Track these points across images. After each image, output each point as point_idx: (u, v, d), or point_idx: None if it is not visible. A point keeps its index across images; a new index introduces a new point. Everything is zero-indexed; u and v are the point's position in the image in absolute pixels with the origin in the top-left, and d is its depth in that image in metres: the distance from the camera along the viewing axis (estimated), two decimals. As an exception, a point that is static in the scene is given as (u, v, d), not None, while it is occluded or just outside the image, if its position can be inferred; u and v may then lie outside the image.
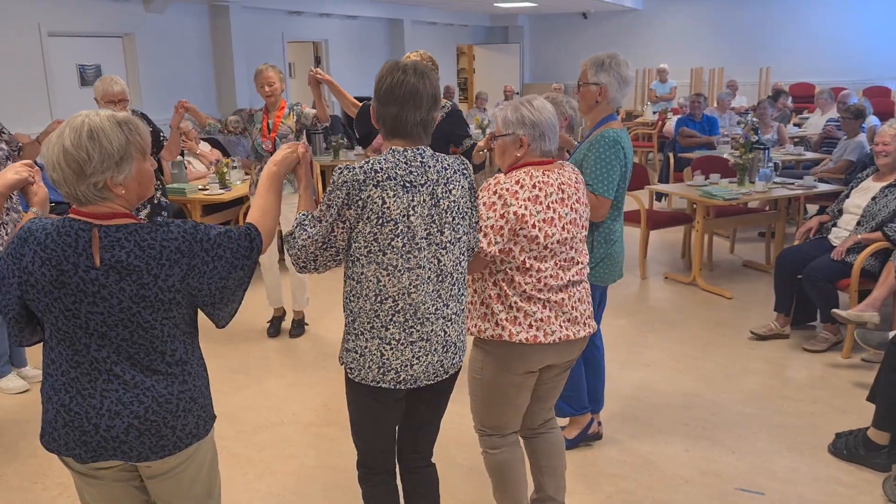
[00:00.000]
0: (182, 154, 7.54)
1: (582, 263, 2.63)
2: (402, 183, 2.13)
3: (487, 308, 2.57)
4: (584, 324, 2.64)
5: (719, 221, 6.40)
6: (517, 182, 2.48)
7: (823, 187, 6.35)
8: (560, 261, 2.54)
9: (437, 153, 2.24)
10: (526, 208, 2.45)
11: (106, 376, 1.88)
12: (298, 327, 5.33)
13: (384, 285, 2.17)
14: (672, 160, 8.73)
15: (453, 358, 2.32)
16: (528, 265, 2.50)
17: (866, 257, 4.57)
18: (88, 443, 1.90)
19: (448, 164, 2.23)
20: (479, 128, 10.23)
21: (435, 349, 2.26)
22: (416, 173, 2.15)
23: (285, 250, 2.29)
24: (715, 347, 4.85)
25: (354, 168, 2.11)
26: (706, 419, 3.91)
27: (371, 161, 2.12)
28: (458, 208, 2.25)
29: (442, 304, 2.25)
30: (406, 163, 2.15)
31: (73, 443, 1.91)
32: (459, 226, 2.26)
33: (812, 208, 7.91)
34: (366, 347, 2.22)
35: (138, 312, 1.85)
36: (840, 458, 3.48)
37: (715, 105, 10.96)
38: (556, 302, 2.55)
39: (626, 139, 3.21)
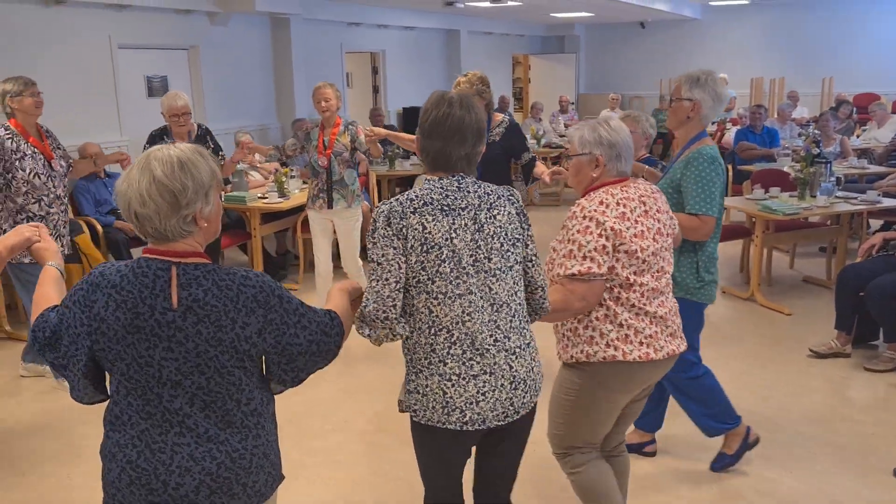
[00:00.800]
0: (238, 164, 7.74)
1: (669, 273, 2.62)
2: (439, 207, 2.08)
3: (594, 331, 2.52)
4: (682, 337, 2.66)
5: (779, 236, 6.27)
6: (601, 202, 2.47)
7: (888, 202, 6.18)
8: (654, 272, 2.54)
9: (479, 181, 2.17)
10: (619, 224, 2.45)
11: (178, 429, 1.78)
12: None
13: (436, 315, 2.09)
14: (731, 172, 8.59)
15: (524, 397, 2.19)
16: (630, 280, 2.49)
17: (933, 276, 4.43)
18: (155, 502, 1.78)
19: (491, 190, 2.16)
20: (535, 138, 10.24)
21: (502, 385, 2.14)
22: (453, 197, 2.10)
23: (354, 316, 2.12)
24: (773, 365, 4.75)
25: (390, 201, 2.10)
26: (763, 438, 3.83)
27: (406, 193, 2.11)
28: (507, 234, 2.15)
29: (502, 335, 2.14)
30: (442, 188, 2.11)
31: (139, 503, 1.79)
32: (510, 253, 2.16)
33: (876, 223, 7.70)
34: (426, 386, 2.12)
35: (216, 357, 1.76)
36: (903, 483, 3.38)
37: (775, 116, 10.75)
38: (661, 316, 2.54)
39: (719, 155, 3.19)
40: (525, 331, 2.21)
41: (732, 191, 8.44)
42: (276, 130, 9.39)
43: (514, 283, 2.18)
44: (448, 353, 2.10)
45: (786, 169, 7.22)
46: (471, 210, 2.11)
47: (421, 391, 2.13)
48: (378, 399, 4.41)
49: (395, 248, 2.06)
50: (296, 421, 4.14)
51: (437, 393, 2.11)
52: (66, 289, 1.98)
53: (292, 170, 7.23)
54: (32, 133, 4.44)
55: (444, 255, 2.07)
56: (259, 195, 6.72)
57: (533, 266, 2.23)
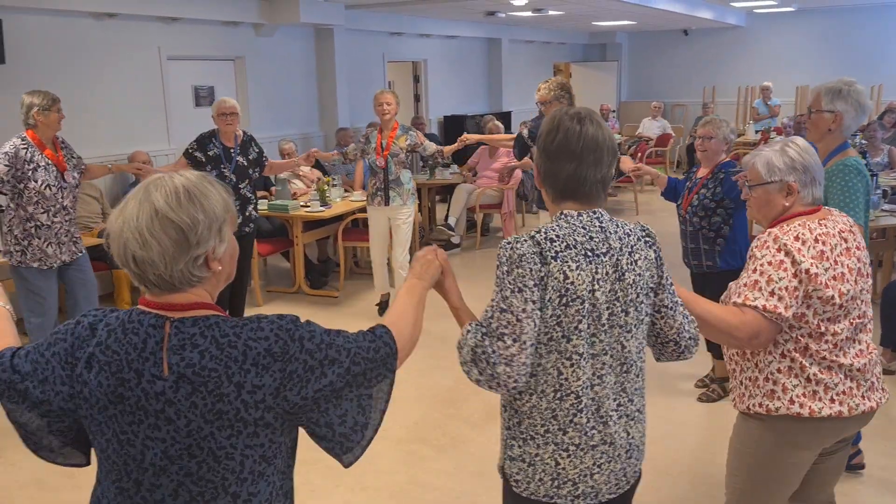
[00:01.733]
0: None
1: (869, 317, 2.34)
2: (583, 252, 1.80)
3: (776, 384, 2.26)
4: (882, 388, 2.38)
5: (823, 249, 6.19)
6: (797, 238, 2.20)
7: (937, 216, 6.05)
8: (854, 318, 2.26)
9: (616, 218, 1.93)
10: (816, 266, 2.17)
11: None
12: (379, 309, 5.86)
13: (566, 378, 1.82)
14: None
15: (636, 465, 1.97)
16: (822, 329, 2.22)
17: (983, 293, 4.35)
18: None
19: (630, 231, 1.89)
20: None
21: (618, 455, 1.90)
22: (596, 240, 1.82)
23: (464, 362, 1.87)
24: (815, 381, 4.70)
25: (524, 240, 1.80)
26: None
27: (540, 229, 1.82)
28: (644, 283, 1.88)
29: (626, 399, 1.90)
30: (584, 227, 1.82)
31: None
32: (643, 305, 1.89)
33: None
34: (536, 455, 1.87)
35: (211, 434, 1.40)
36: (948, 506, 3.32)
37: (822, 125, 10.57)
38: (858, 370, 2.26)
39: (864, 167, 3.14)
40: (643, 391, 1.97)
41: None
42: (318, 139, 9.54)
43: (642, 339, 1.92)
44: (571, 421, 1.84)
45: (831, 180, 7.11)
46: (612, 255, 1.83)
47: (528, 460, 1.88)
48: (415, 408, 4.47)
49: (533, 302, 1.77)
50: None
51: (548, 463, 1.86)
52: (14, 328, 1.68)
53: (334, 178, 7.34)
54: (48, 145, 4.52)
55: (584, 310, 1.80)
56: (301, 203, 6.83)
57: (664, 317, 1.95)
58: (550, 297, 1.78)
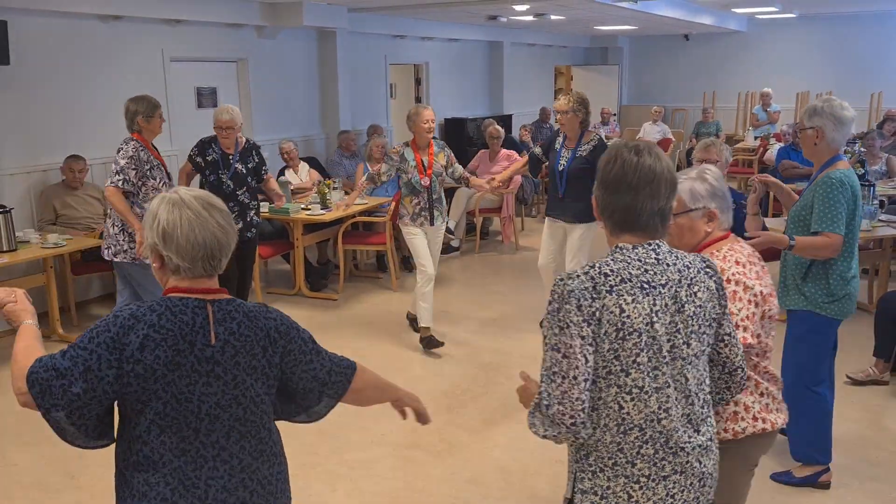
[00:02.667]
0: (282, 173, 7.92)
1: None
2: (638, 284, 1.81)
3: (737, 405, 2.34)
4: None
5: (819, 258, 6.23)
6: (737, 262, 2.28)
7: (934, 227, 6.09)
8: (768, 330, 2.38)
9: (674, 249, 1.93)
10: (761, 285, 2.28)
11: (212, 463, 1.82)
12: (424, 344, 5.49)
13: (627, 412, 1.82)
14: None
15: (708, 494, 1.98)
16: (766, 346, 2.35)
17: (975, 306, 4.39)
18: None
19: (690, 262, 1.91)
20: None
21: (692, 484, 1.90)
22: (652, 272, 1.83)
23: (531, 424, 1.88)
24: (809, 390, 4.74)
25: (576, 275, 1.81)
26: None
27: (594, 264, 1.83)
28: (705, 314, 1.89)
29: (693, 429, 1.90)
30: (639, 260, 1.84)
31: None
32: (705, 336, 1.91)
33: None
34: (608, 488, 1.87)
35: (251, 385, 1.85)
36: (937, 518, 3.37)
37: (821, 133, 10.61)
38: (777, 376, 2.45)
39: (853, 178, 3.37)
40: (711, 420, 1.97)
41: (774, 209, 8.37)
42: (320, 141, 9.58)
43: (704, 370, 1.94)
44: (638, 453, 1.84)
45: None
46: (671, 287, 1.84)
47: (600, 493, 1.88)
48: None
49: (583, 338, 1.78)
50: (337, 432, 4.26)
51: (620, 496, 1.86)
52: (43, 346, 1.89)
53: (335, 181, 7.38)
54: (152, 147, 4.98)
55: (642, 343, 1.80)
56: (302, 206, 6.88)
57: (727, 345, 1.99)
58: (606, 331, 1.78)
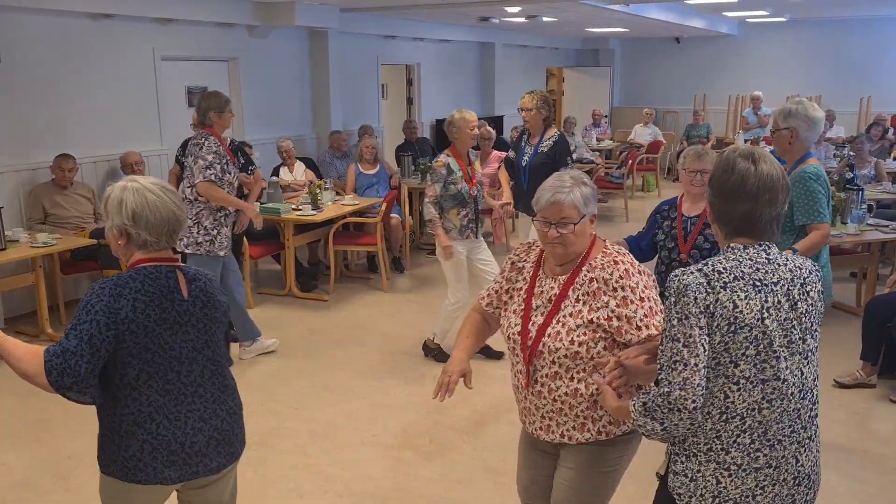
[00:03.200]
0: (277, 171, 7.91)
1: None
2: (751, 282, 1.89)
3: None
4: None
5: (808, 261, 6.27)
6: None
7: (921, 231, 6.15)
8: None
9: (783, 252, 2.02)
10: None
11: (191, 398, 2.22)
12: (427, 351, 5.48)
13: (732, 401, 1.90)
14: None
15: (807, 494, 2.00)
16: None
17: (962, 310, 4.43)
18: (175, 462, 2.19)
19: (801, 264, 1.99)
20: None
21: (784, 479, 1.95)
22: (764, 270, 1.92)
23: (640, 424, 1.96)
24: (797, 393, 4.77)
25: (691, 271, 1.90)
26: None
27: (708, 262, 1.93)
28: (816, 313, 1.98)
29: (800, 426, 1.97)
30: (750, 259, 1.92)
31: (161, 466, 2.17)
32: (818, 333, 2.00)
33: (909, 249, 7.63)
34: (698, 472, 1.95)
35: (215, 332, 2.29)
36: (922, 520, 3.41)
37: (810, 136, 10.67)
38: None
39: (824, 173, 3.63)
40: (817, 419, 2.04)
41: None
42: (311, 141, 9.56)
43: (817, 366, 2.02)
44: (734, 441, 1.92)
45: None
46: (783, 285, 1.92)
47: (690, 475, 1.97)
48: (404, 415, 4.51)
49: (700, 328, 1.86)
50: (330, 432, 4.26)
51: (709, 481, 1.94)
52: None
53: (326, 181, 7.38)
54: (223, 140, 5.13)
55: (752, 337, 1.88)
56: (293, 207, 6.87)
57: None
58: (718, 325, 1.87)
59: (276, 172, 7.91)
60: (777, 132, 3.68)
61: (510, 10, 9.67)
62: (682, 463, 1.98)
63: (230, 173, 5.07)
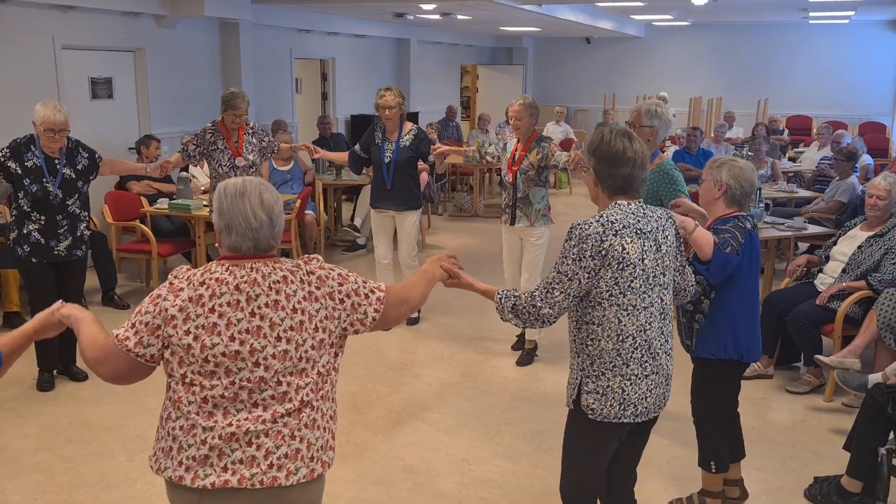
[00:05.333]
0: (186, 169, 7.68)
1: None
2: (634, 230, 2.42)
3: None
4: None
5: (711, 258, 6.53)
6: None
7: (813, 229, 6.50)
8: None
9: (647, 205, 2.53)
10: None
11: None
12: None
13: (625, 325, 2.44)
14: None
15: (669, 390, 2.62)
16: None
17: (850, 305, 4.71)
18: None
19: (661, 214, 2.55)
20: (479, 151, 10.30)
21: (661, 381, 2.55)
22: (643, 222, 2.45)
23: (507, 319, 2.57)
24: (701, 385, 4.97)
25: (591, 222, 2.40)
26: (688, 458, 4.02)
27: (603, 215, 2.42)
28: (672, 253, 2.56)
29: (664, 339, 2.56)
30: (633, 213, 2.45)
31: None
32: (670, 268, 2.56)
33: (804, 245, 8.05)
34: (608, 386, 2.48)
35: None
36: (815, 504, 3.61)
37: (712, 136, 11.13)
38: None
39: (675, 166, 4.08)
40: (672, 333, 2.63)
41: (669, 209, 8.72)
42: (222, 135, 9.32)
43: (672, 295, 2.60)
44: (631, 356, 2.47)
45: (719, 192, 7.50)
46: (654, 233, 2.47)
47: (601, 391, 2.49)
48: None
49: (584, 268, 2.39)
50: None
51: (616, 392, 2.48)
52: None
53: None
54: (233, 134, 5.59)
55: (636, 273, 2.42)
56: (205, 203, 6.69)
57: (681, 273, 2.68)
58: (610, 264, 2.39)
59: (185, 168, 7.68)
60: (640, 128, 3.91)
61: (425, 6, 9.69)
62: (594, 382, 2.50)
63: (214, 160, 5.55)
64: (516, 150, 5.12)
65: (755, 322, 3.28)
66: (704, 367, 3.28)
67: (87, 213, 4.79)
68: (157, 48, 8.26)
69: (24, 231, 4.56)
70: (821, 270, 5.15)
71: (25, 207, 4.54)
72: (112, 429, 4.25)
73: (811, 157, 10.02)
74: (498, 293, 2.58)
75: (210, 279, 2.02)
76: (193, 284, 2.02)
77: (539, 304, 2.45)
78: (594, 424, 2.52)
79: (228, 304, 2.00)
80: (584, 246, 2.37)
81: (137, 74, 8.15)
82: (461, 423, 4.40)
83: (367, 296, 2.16)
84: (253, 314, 2.00)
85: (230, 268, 2.04)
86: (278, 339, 2.01)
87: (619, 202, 2.47)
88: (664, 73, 15.56)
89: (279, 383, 2.02)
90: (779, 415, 4.63)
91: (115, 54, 7.90)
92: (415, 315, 5.93)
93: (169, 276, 2.08)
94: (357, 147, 5.88)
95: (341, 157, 6.17)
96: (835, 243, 5.18)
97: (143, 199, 6.86)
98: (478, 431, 4.30)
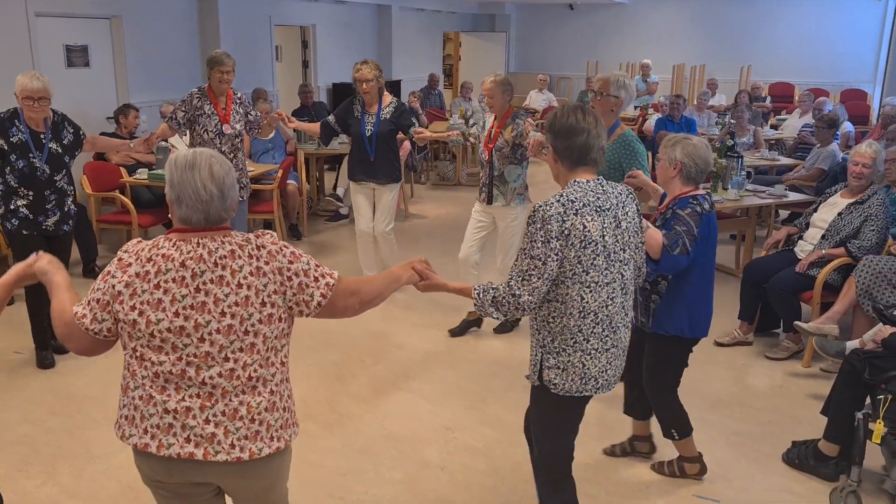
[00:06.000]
0: (166, 140, 7.58)
1: None
2: (594, 208, 2.46)
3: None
4: None
5: (693, 226, 6.56)
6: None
7: (794, 196, 6.54)
8: None
9: (609, 181, 2.58)
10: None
11: None
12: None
13: (587, 302, 2.49)
14: (651, 160, 8.89)
15: (624, 361, 2.71)
16: None
17: (829, 272, 4.76)
18: None
19: (621, 190, 2.58)
20: (462, 118, 10.28)
21: (619, 353, 2.64)
22: (602, 199, 2.49)
23: (488, 314, 2.57)
24: (682, 352, 5.02)
25: (552, 202, 2.43)
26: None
27: (563, 194, 2.46)
28: (632, 228, 2.59)
29: (624, 314, 2.61)
30: (592, 191, 2.49)
31: None
32: (631, 243, 2.60)
33: (784, 212, 8.11)
34: (568, 361, 2.55)
35: None
36: (792, 467, 3.68)
37: (694, 103, 11.13)
38: None
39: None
40: (631, 307, 2.68)
41: (652, 178, 8.73)
42: (201, 104, 9.20)
43: (633, 269, 2.64)
44: (592, 332, 2.52)
45: (701, 160, 7.52)
46: (613, 210, 2.51)
47: (562, 367, 2.55)
48: (303, 385, 4.47)
49: (553, 250, 2.42)
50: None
51: (577, 367, 2.55)
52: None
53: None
54: (220, 100, 5.42)
55: (598, 250, 2.46)
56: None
57: (640, 249, 2.71)
58: (573, 242, 2.43)
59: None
60: (605, 97, 4.03)
61: (406, -28, 9.55)
62: (555, 358, 2.56)
63: (199, 126, 5.38)
64: (493, 128, 5.02)
65: (709, 300, 3.37)
66: (658, 343, 3.34)
67: (73, 189, 4.74)
68: (134, 15, 8.11)
69: (12, 207, 4.47)
70: (801, 237, 5.19)
71: (13, 183, 4.44)
72: (95, 399, 4.24)
73: (793, 124, 10.04)
74: (475, 289, 2.58)
75: (157, 255, 2.03)
76: (141, 260, 2.03)
77: (518, 293, 2.46)
78: (557, 399, 2.60)
79: (174, 280, 2.01)
80: (549, 227, 2.40)
81: (114, 42, 8.01)
82: (444, 392, 4.42)
83: (316, 279, 2.13)
84: (198, 290, 2.01)
85: (177, 243, 2.04)
86: (223, 314, 2.02)
87: (578, 180, 2.51)
88: (647, 41, 15.49)
89: (226, 359, 2.04)
90: (758, 381, 4.69)
91: (91, 21, 7.74)
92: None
93: (119, 252, 2.09)
94: (331, 118, 5.76)
95: (314, 128, 5.99)
96: (815, 210, 5.21)
97: (123, 170, 6.78)
98: (461, 400, 4.33)
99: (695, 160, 3.20)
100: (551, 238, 2.40)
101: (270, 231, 2.18)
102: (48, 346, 4.74)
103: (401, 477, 3.59)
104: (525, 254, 2.45)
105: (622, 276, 2.55)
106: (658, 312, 3.27)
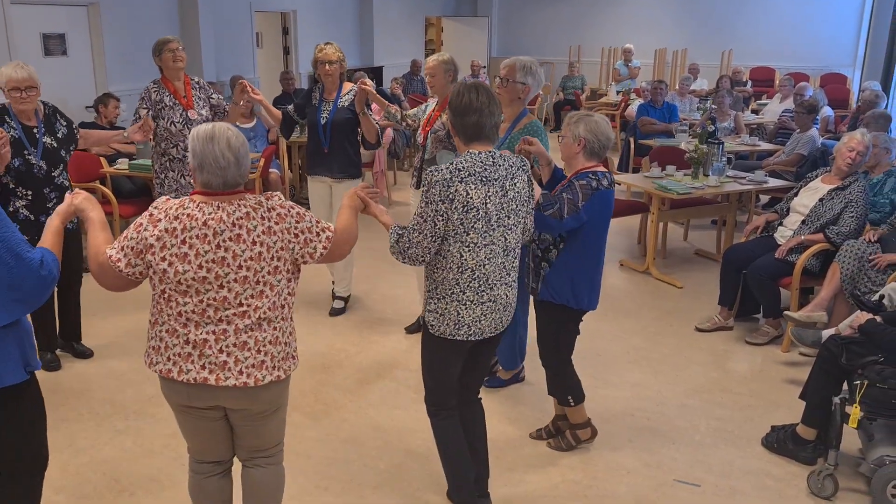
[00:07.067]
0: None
1: None
2: (480, 178, 2.72)
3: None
4: None
5: (674, 212, 6.61)
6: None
7: (774, 182, 6.60)
8: None
9: (503, 153, 2.82)
10: None
11: None
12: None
13: (465, 259, 2.77)
14: (632, 145, 8.94)
15: (509, 316, 2.97)
16: None
17: (808, 258, 4.82)
18: None
19: (512, 163, 2.83)
20: (400, 112, 10.06)
21: (497, 308, 2.88)
22: (490, 170, 2.74)
23: (394, 252, 2.83)
24: (663, 338, 5.09)
25: (442, 169, 2.69)
26: (651, 410, 4.15)
27: (455, 162, 2.72)
28: (520, 198, 2.85)
29: (505, 273, 2.87)
30: (482, 162, 2.74)
31: None
32: (521, 211, 2.87)
33: (765, 197, 8.19)
34: (445, 308, 2.83)
35: None
36: (771, 451, 3.74)
37: (676, 88, 11.16)
38: None
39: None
40: (517, 269, 2.96)
41: (633, 164, 8.78)
42: (182, 92, 9.13)
43: (519, 234, 2.91)
44: (468, 286, 2.80)
45: (682, 146, 7.57)
46: (500, 181, 2.76)
47: (440, 312, 2.85)
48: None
49: (438, 211, 2.69)
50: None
51: (452, 314, 2.83)
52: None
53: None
54: (178, 87, 5.16)
55: (479, 216, 2.72)
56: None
57: (529, 216, 2.95)
58: (456, 207, 2.70)
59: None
60: (511, 83, 3.91)
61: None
62: (435, 303, 2.86)
63: (164, 119, 5.09)
64: (434, 111, 4.74)
65: (595, 275, 3.49)
66: (545, 309, 3.52)
67: (69, 185, 4.44)
68: (112, 1, 8.02)
69: (11, 209, 4.18)
70: (781, 223, 5.24)
71: (10, 184, 4.19)
72: (80, 393, 4.24)
73: (774, 109, 10.10)
74: (391, 228, 2.87)
75: (183, 214, 2.37)
76: (169, 217, 2.37)
77: (406, 245, 2.77)
78: (435, 339, 2.90)
79: (197, 237, 2.36)
80: (434, 191, 2.68)
81: (92, 29, 7.92)
82: (429, 381, 4.44)
83: (318, 234, 2.52)
84: (218, 246, 2.37)
85: (200, 205, 2.39)
86: (239, 267, 2.39)
87: (471, 151, 2.77)
88: (630, 25, 15.47)
89: (241, 304, 2.42)
90: (738, 365, 4.76)
91: (68, 8, 7.65)
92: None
93: (150, 207, 2.44)
94: (291, 108, 5.35)
95: (275, 113, 5.43)
96: (796, 194, 5.25)
97: (103, 160, 6.73)
98: (446, 388, 4.35)
99: (597, 136, 3.34)
100: (435, 200, 2.68)
101: (277, 193, 2.53)
102: (53, 349, 4.59)
103: (386, 466, 3.62)
104: (417, 213, 2.74)
105: (504, 239, 2.81)
106: (546, 279, 3.45)
